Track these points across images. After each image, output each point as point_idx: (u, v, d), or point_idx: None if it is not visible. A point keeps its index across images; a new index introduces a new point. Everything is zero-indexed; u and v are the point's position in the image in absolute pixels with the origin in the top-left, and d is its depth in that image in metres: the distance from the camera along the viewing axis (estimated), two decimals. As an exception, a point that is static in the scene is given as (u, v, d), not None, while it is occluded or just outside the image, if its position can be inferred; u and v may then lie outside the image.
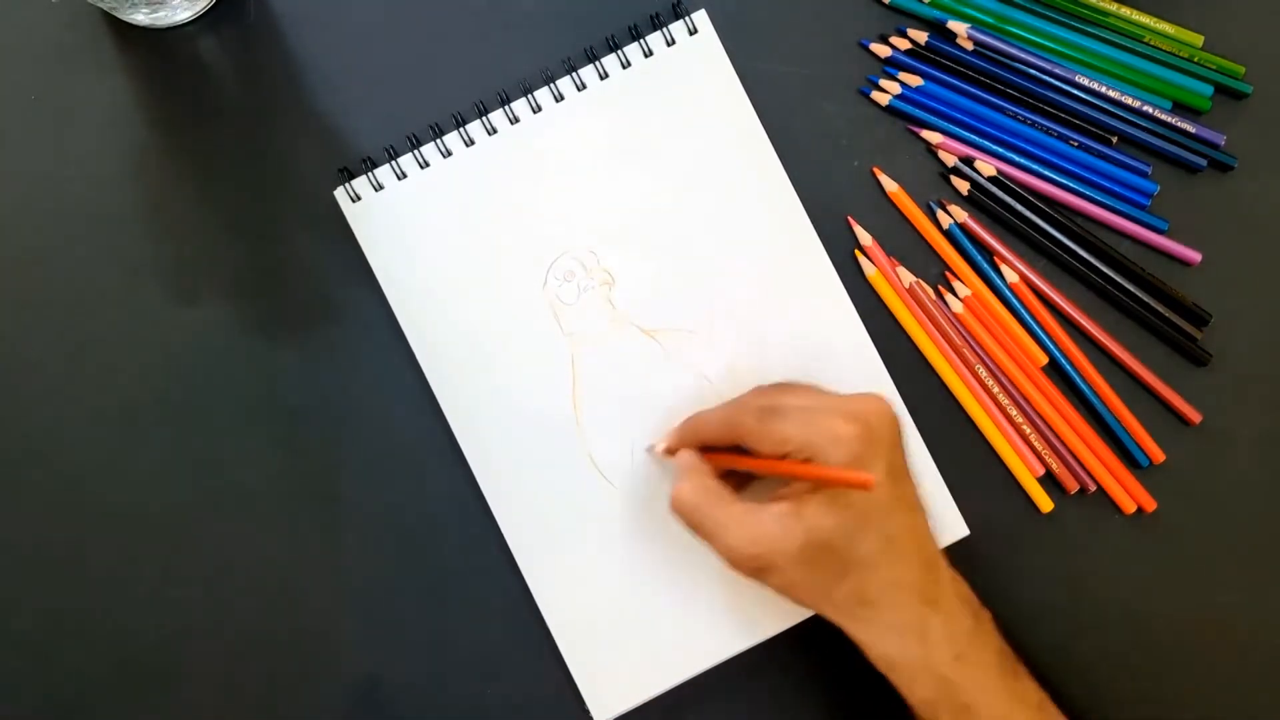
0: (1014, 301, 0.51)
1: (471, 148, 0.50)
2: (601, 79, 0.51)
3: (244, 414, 0.51)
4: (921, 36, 0.52)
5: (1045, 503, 0.50)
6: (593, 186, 0.50)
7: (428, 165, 0.50)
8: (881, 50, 0.52)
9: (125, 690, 0.50)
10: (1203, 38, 0.52)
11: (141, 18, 0.50)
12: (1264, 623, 0.50)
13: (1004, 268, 0.51)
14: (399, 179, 0.50)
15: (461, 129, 0.50)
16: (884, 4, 0.52)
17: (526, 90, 0.51)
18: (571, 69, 0.51)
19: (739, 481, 0.47)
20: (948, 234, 0.51)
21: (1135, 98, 0.51)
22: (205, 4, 0.51)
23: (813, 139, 0.52)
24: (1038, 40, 0.52)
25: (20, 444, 0.51)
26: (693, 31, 0.51)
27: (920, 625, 0.42)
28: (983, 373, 0.51)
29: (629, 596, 0.49)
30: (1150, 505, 0.50)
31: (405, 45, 0.52)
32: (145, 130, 0.52)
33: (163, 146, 0.52)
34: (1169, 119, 0.51)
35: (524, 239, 0.50)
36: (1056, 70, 0.51)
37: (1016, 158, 0.51)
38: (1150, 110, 0.51)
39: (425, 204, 0.50)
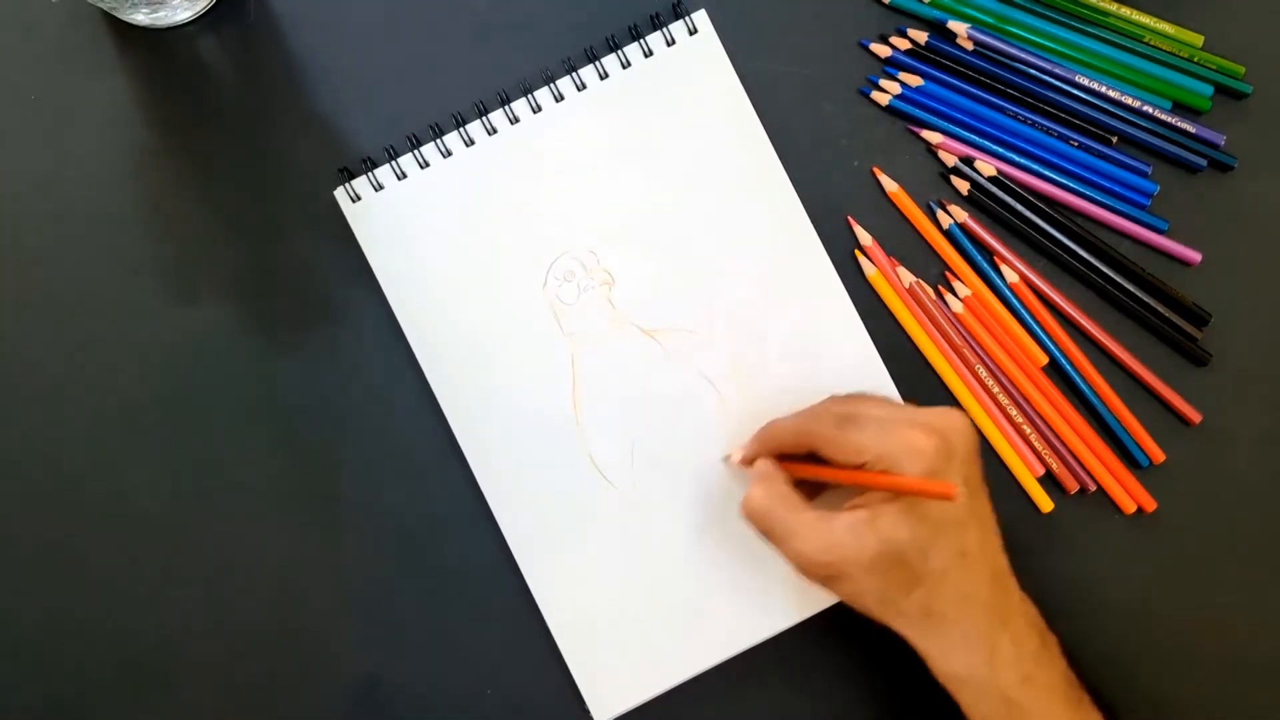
0: (1014, 301, 0.51)
1: (471, 148, 0.50)
2: (601, 79, 0.51)
3: (244, 414, 0.51)
4: (921, 36, 0.52)
5: (1045, 503, 0.50)
6: (593, 186, 0.50)
7: (428, 165, 0.50)
8: (881, 50, 0.52)
9: (125, 690, 0.50)
10: (1203, 38, 0.52)
11: (141, 18, 0.50)
12: (1264, 623, 0.50)
13: (1004, 268, 0.51)
14: (399, 179, 0.50)
15: (461, 129, 0.50)
16: (884, 4, 0.52)
17: (526, 90, 0.51)
18: (571, 69, 0.51)
19: (810, 490, 0.46)
20: (948, 234, 0.51)
21: (1135, 98, 0.51)
22: (205, 4, 0.51)
23: (813, 139, 0.52)
24: (1038, 40, 0.52)
25: (20, 444, 0.51)
26: (693, 31, 0.51)
27: (989, 643, 0.42)
28: (983, 373, 0.51)
29: (629, 596, 0.49)
30: (1150, 505, 0.50)
31: (405, 45, 0.52)
32: (145, 130, 0.52)
33: (163, 146, 0.52)
34: (1169, 119, 0.51)
35: (524, 239, 0.50)
36: (1056, 70, 0.51)
37: (1016, 158, 0.51)
38: (1150, 110, 0.51)
39: (425, 204, 0.50)
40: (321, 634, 0.50)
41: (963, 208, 0.52)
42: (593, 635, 0.49)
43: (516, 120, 0.51)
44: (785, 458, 0.46)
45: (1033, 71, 0.52)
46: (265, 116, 0.51)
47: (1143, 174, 0.51)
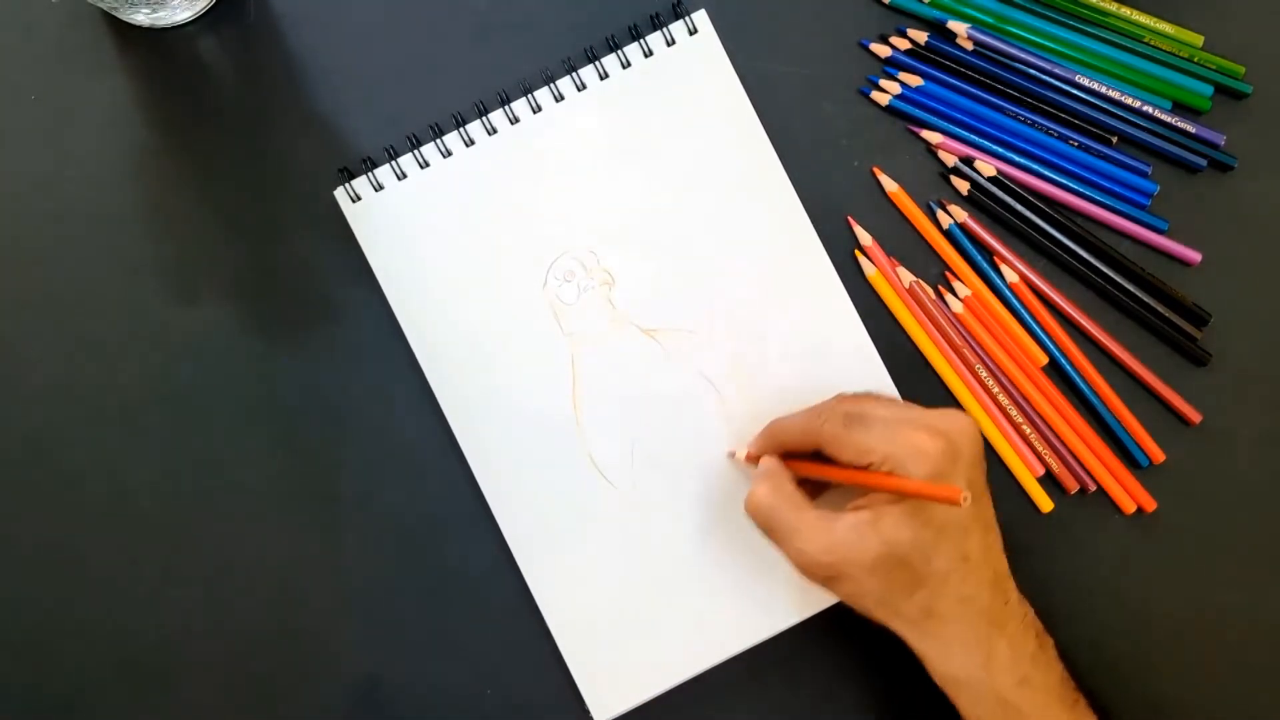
0: (1014, 301, 0.51)
1: (471, 148, 0.50)
2: (601, 79, 0.51)
3: (244, 414, 0.51)
4: (921, 36, 0.52)
5: (1045, 503, 0.50)
6: (593, 186, 0.50)
7: (428, 165, 0.50)
8: (881, 50, 0.52)
9: (125, 690, 0.50)
10: (1203, 38, 0.52)
11: (141, 18, 0.50)
12: (1264, 623, 0.50)
13: (1004, 268, 0.51)
14: (399, 179, 0.50)
15: (461, 129, 0.50)
16: (884, 4, 0.52)
17: (526, 90, 0.51)
18: (571, 69, 0.51)
19: (814, 489, 0.46)
20: (948, 234, 0.51)
21: (1135, 98, 0.51)
22: (205, 4, 0.51)
23: (813, 139, 0.52)
24: (1038, 40, 0.52)
25: (20, 444, 0.51)
26: (693, 31, 0.51)
27: (986, 646, 0.42)
28: (983, 373, 0.51)
29: (629, 596, 0.49)
30: (1150, 505, 0.50)
31: (405, 45, 0.52)
32: (145, 130, 0.52)
33: (163, 146, 0.52)
34: (1169, 119, 0.51)
35: (524, 239, 0.50)
36: (1056, 70, 0.51)
37: (1016, 158, 0.51)
38: (1150, 110, 0.51)
39: (425, 204, 0.50)
40: (321, 634, 0.50)
41: (963, 208, 0.52)
42: (593, 635, 0.49)
43: (516, 120, 0.51)
44: (790, 456, 0.46)
45: (1033, 71, 0.52)
46: (265, 116, 0.51)
47: (1143, 174, 0.51)
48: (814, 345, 0.50)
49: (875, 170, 0.52)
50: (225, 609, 0.50)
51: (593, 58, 0.51)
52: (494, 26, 0.52)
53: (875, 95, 0.52)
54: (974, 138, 0.51)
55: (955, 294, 0.51)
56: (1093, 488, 0.50)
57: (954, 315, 0.51)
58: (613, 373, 0.50)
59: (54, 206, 0.51)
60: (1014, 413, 0.50)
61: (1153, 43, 0.52)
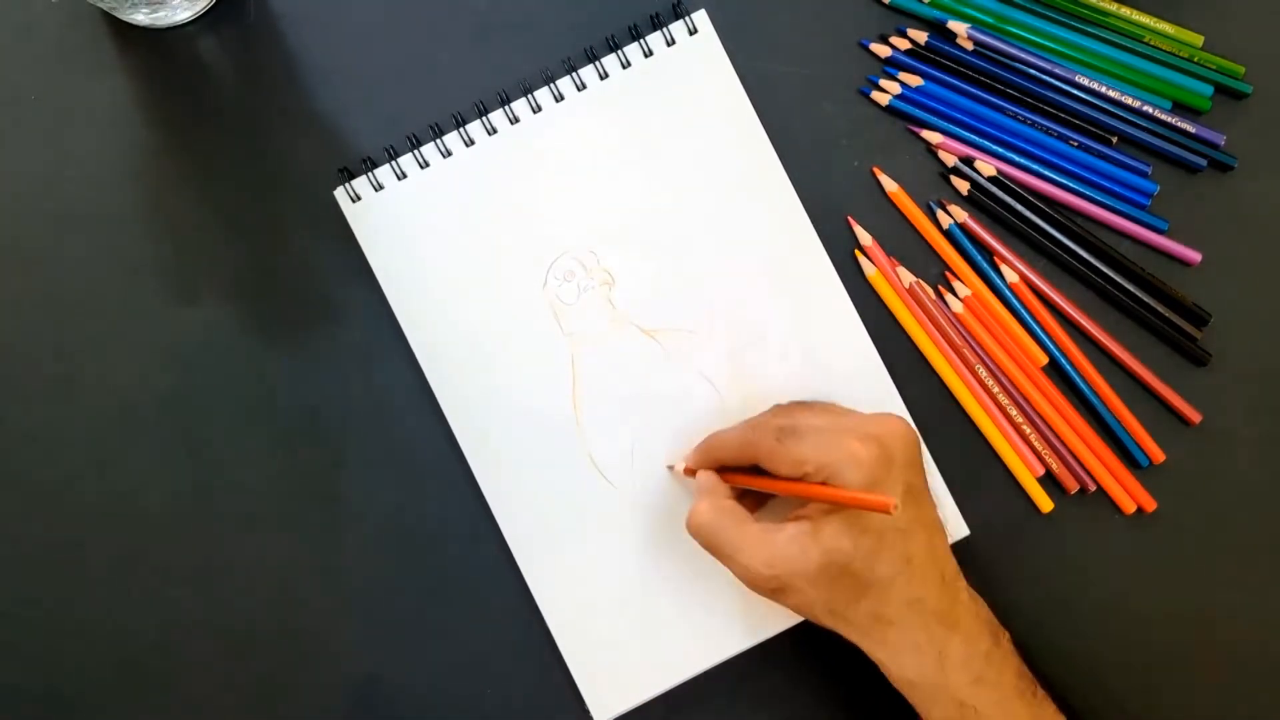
0: (1014, 301, 0.51)
1: (471, 148, 0.50)
2: (601, 79, 0.51)
3: (244, 414, 0.51)
4: (921, 36, 0.52)
5: (1045, 503, 0.50)
6: (593, 186, 0.50)
7: (428, 165, 0.50)
8: (881, 50, 0.52)
9: (125, 690, 0.50)
10: (1203, 38, 0.52)
11: (141, 18, 0.50)
12: (1264, 623, 0.50)
13: (1004, 268, 0.51)
14: (399, 179, 0.50)
15: (461, 129, 0.50)
16: (884, 4, 0.52)
17: (526, 90, 0.51)
18: (571, 69, 0.51)
19: (757, 500, 0.47)
20: (948, 234, 0.51)
21: (1135, 98, 0.51)
22: (205, 4, 0.51)
23: (813, 139, 0.52)
24: (1038, 40, 0.52)
25: (20, 444, 0.51)
26: (693, 31, 0.51)
27: (939, 647, 0.42)
28: (983, 373, 0.51)
29: (629, 596, 0.49)
30: (1150, 505, 0.50)
31: (405, 45, 0.52)
32: (145, 130, 0.52)
33: (163, 146, 0.52)
34: (1169, 119, 0.51)
35: (524, 239, 0.50)
36: (1056, 70, 0.51)
37: (1016, 158, 0.51)
38: (1150, 110, 0.51)
39: (425, 204, 0.50)
40: (321, 634, 0.50)
41: (963, 208, 0.52)
42: (593, 635, 0.49)
43: (516, 120, 0.51)
44: (728, 469, 0.46)
45: (1033, 71, 0.52)
46: (265, 116, 0.51)
47: (1143, 174, 0.51)
48: (814, 345, 0.50)
49: (875, 170, 0.52)
50: (225, 609, 0.50)
51: (593, 58, 0.51)
52: (494, 26, 0.52)
53: (875, 95, 0.52)
54: (974, 138, 0.51)
55: (955, 294, 0.51)
56: (1093, 488, 0.50)
57: (954, 315, 0.51)
58: (613, 373, 0.50)
59: (54, 206, 0.51)
60: (1014, 413, 0.50)
61: (1153, 43, 0.52)
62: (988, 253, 0.51)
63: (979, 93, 0.52)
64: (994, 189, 0.51)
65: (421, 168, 0.50)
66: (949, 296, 0.51)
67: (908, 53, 0.52)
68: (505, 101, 0.50)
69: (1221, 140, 0.51)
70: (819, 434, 0.42)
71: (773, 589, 0.42)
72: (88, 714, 0.50)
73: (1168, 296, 0.51)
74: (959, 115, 0.52)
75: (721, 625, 0.49)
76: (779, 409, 0.47)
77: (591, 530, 0.49)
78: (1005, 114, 0.52)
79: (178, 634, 0.50)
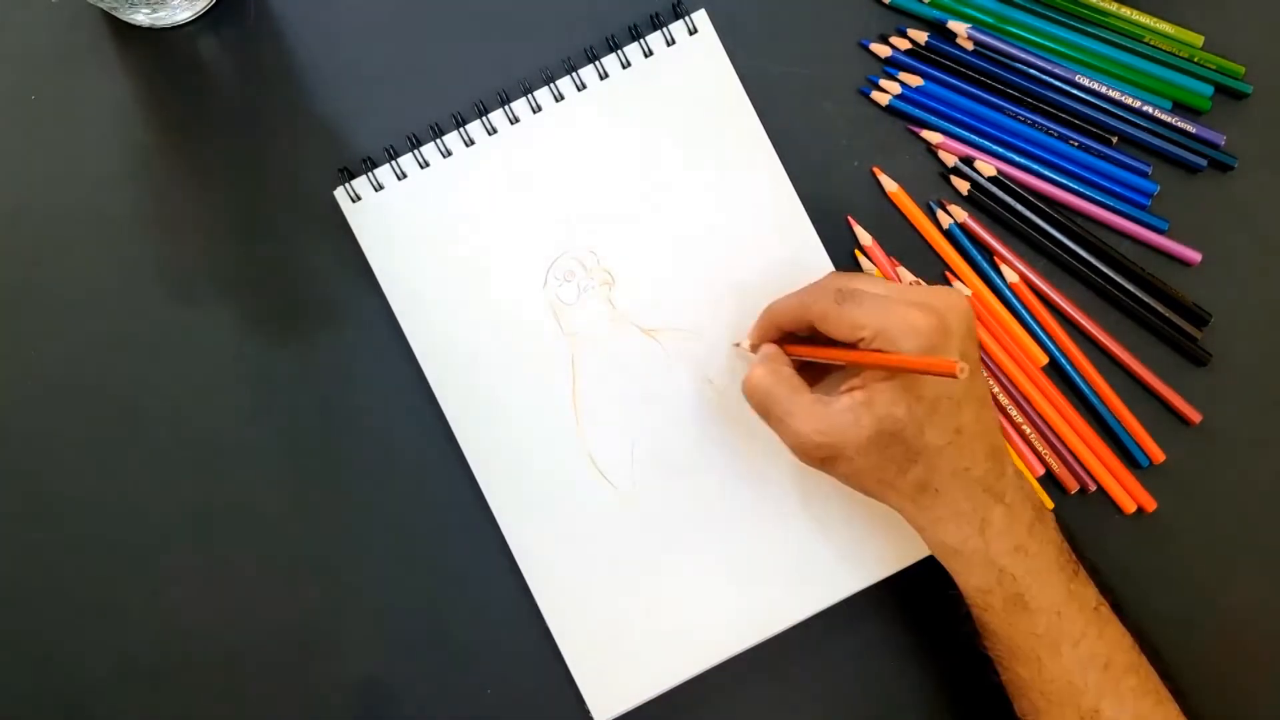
0: (1014, 301, 0.51)
1: (471, 148, 0.50)
2: (601, 79, 0.51)
3: (244, 414, 0.50)
4: (921, 36, 0.52)
5: (1046, 502, 0.50)
6: (593, 186, 0.50)
7: (428, 165, 0.50)
8: (881, 50, 0.52)
9: (125, 690, 0.50)
10: (1203, 38, 0.52)
11: (141, 18, 0.50)
12: (1264, 622, 0.50)
13: (1004, 268, 0.51)
14: (399, 179, 0.50)
15: (461, 129, 0.50)
16: (884, 4, 0.52)
17: (526, 90, 0.51)
18: (571, 69, 0.51)
19: (812, 378, 0.46)
20: (948, 234, 0.51)
21: (1135, 98, 0.51)
22: (205, 4, 0.51)
23: (813, 139, 0.51)
24: (1038, 40, 0.52)
25: (20, 445, 0.50)
26: (693, 31, 0.51)
27: (982, 514, 0.42)
28: (983, 373, 0.50)
29: (629, 596, 0.49)
30: (1150, 505, 0.50)
31: (405, 45, 0.52)
32: (145, 130, 0.52)
33: (163, 146, 0.52)
34: (1169, 119, 0.51)
35: (524, 239, 0.50)
36: (1056, 70, 0.51)
37: (1016, 158, 0.51)
38: (1150, 110, 0.51)
39: (425, 204, 0.50)
40: (322, 634, 0.50)
41: (963, 208, 0.52)
42: (593, 635, 0.49)
43: (516, 120, 0.51)
44: (788, 340, 0.46)
45: (1033, 71, 0.52)
46: (265, 116, 0.51)
47: (1143, 174, 0.51)
48: (814, 345, 0.50)
49: (875, 170, 0.52)
50: (225, 609, 0.50)
51: (593, 58, 0.51)
52: (494, 26, 0.52)
53: (875, 95, 0.52)
54: (974, 138, 0.51)
55: (955, 294, 0.51)
56: (1093, 488, 0.50)
57: (954, 315, 0.51)
58: (613, 373, 0.50)
59: (54, 206, 0.51)
60: (1014, 413, 0.50)
61: (1153, 43, 0.52)
62: (988, 253, 0.51)
63: (979, 93, 0.52)
64: (994, 189, 0.51)
65: (421, 168, 0.50)
66: (949, 296, 0.51)
67: (908, 53, 0.52)
68: (505, 101, 0.50)
69: (1221, 140, 0.51)
70: (877, 300, 0.42)
71: (822, 457, 0.43)
72: (88, 714, 0.50)
73: (1168, 296, 0.51)
74: (959, 115, 0.52)
75: (722, 624, 0.49)
76: (838, 274, 0.46)
77: (592, 530, 0.49)
78: (1005, 114, 0.52)
79: (177, 634, 0.50)
